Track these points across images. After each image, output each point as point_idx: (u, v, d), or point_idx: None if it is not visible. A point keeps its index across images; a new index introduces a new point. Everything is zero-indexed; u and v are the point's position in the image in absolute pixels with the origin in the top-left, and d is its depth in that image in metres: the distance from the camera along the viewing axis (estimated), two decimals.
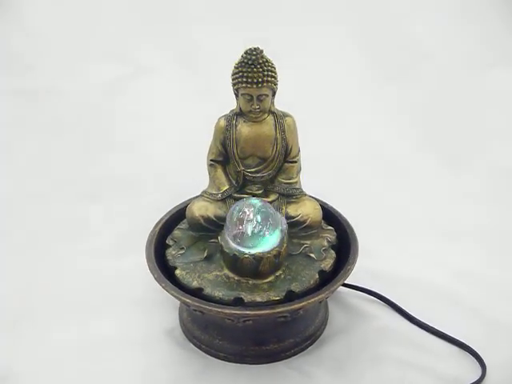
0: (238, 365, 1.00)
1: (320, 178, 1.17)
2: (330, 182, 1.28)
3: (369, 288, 1.11)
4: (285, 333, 1.00)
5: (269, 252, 0.96)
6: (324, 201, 1.10)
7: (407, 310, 1.07)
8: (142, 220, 1.14)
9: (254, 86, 0.96)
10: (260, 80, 0.95)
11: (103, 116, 1.52)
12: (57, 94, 1.56)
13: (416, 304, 1.08)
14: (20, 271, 1.17)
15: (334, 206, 1.11)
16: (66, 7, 1.64)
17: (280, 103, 1.02)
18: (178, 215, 1.09)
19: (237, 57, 0.98)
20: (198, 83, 1.55)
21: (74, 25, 1.62)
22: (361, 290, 1.11)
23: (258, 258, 0.95)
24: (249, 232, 0.95)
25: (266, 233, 0.96)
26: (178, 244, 1.03)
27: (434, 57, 1.57)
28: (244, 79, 0.96)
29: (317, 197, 1.08)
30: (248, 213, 0.96)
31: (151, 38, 1.61)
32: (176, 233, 1.06)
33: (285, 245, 0.97)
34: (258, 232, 0.95)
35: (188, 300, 0.94)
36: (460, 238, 1.22)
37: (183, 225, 1.07)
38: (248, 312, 0.92)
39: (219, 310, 0.92)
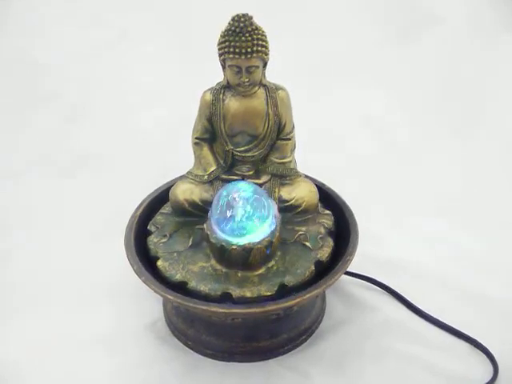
0: (227, 363, 0.92)
1: (316, 156, 1.07)
2: (326, 160, 1.18)
3: (370, 276, 1.02)
4: (277, 328, 0.92)
5: (259, 242, 0.86)
6: (320, 180, 1.01)
7: (411, 301, 0.99)
8: (121, 200, 1.05)
9: (243, 56, 0.86)
10: (249, 50, 0.85)
11: (83, 86, 1.43)
12: (32, 62, 1.45)
13: (420, 294, 1.00)
14: None
15: (332, 187, 1.02)
16: None
17: (272, 73, 0.92)
18: (161, 197, 0.99)
19: (225, 23, 0.87)
20: (184, 52, 1.44)
21: None
22: (361, 278, 1.02)
23: (248, 249, 0.86)
24: (237, 220, 0.86)
25: (257, 221, 0.87)
26: (161, 231, 0.94)
27: (445, 21, 1.44)
28: (231, 49, 0.86)
29: (312, 176, 0.99)
30: (237, 198, 0.87)
31: (136, 3, 1.49)
32: (159, 218, 0.97)
33: (277, 234, 0.88)
34: (248, 220, 0.86)
35: (170, 296, 0.85)
36: (471, 222, 1.13)
37: (166, 208, 0.98)
38: (236, 310, 0.84)
39: (205, 307, 0.84)
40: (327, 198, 0.99)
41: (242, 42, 0.85)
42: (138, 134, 1.32)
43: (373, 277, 1.02)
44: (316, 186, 0.97)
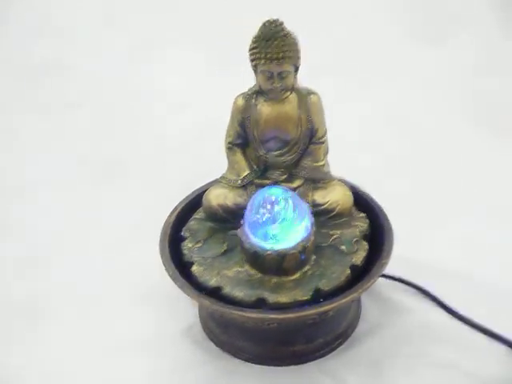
0: (263, 367, 0.92)
1: (347, 158, 1.05)
2: (358, 161, 1.18)
3: (406, 279, 1.01)
4: (313, 332, 0.91)
5: (294, 247, 0.86)
6: (353, 183, 1.00)
7: (449, 304, 0.97)
8: (156, 206, 1.05)
9: (274, 62, 0.85)
10: (281, 56, 0.85)
11: (116, 93, 1.43)
12: (66, 68, 1.46)
13: (459, 297, 0.98)
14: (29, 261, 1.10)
15: (365, 188, 1.01)
16: None
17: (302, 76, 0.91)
18: (194, 202, 1.00)
19: (256, 27, 0.87)
20: (215, 57, 1.44)
21: None
22: (397, 280, 1.01)
23: (282, 255, 0.86)
24: (271, 225, 0.86)
25: (291, 226, 0.86)
26: (195, 236, 0.94)
27: (476, 23, 1.43)
28: (263, 55, 0.85)
29: (345, 178, 0.98)
30: (270, 203, 0.87)
31: (162, 7, 1.50)
32: (192, 223, 0.97)
33: (312, 238, 0.88)
34: (282, 225, 0.86)
35: (206, 302, 0.85)
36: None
37: (200, 214, 0.98)
38: (272, 316, 0.84)
39: (240, 313, 0.84)
40: (361, 200, 0.98)
41: (274, 48, 0.85)
42: (168, 139, 1.32)
43: (408, 279, 1.01)
44: (351, 189, 0.97)
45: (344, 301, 0.84)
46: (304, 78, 0.91)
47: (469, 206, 1.14)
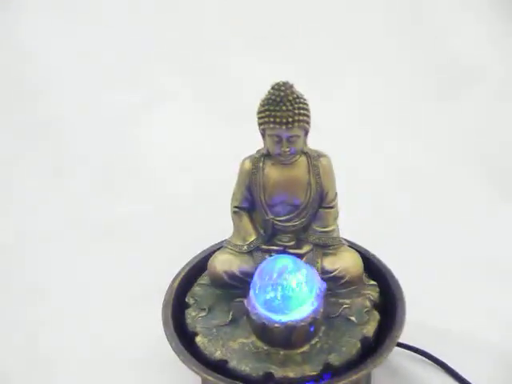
0: None
1: (351, 214, 1.00)
2: (366, 223, 1.14)
3: (418, 347, 0.97)
4: None
5: (303, 320, 0.82)
6: (363, 246, 0.97)
7: (464, 376, 0.93)
8: (157, 268, 1.02)
9: (284, 126, 0.82)
10: (290, 120, 0.82)
11: (114, 150, 1.40)
12: (68, 124, 1.44)
13: (474, 368, 0.93)
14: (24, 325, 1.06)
15: (374, 250, 0.97)
16: (76, 34, 1.51)
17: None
18: (199, 266, 0.96)
19: (263, 84, 0.84)
20: (220, 114, 1.41)
21: (84, 51, 1.49)
22: (410, 349, 0.97)
23: (291, 328, 0.82)
24: (279, 297, 0.82)
25: (300, 297, 0.83)
26: (199, 304, 0.91)
27: (486, 77, 1.40)
28: (271, 119, 0.82)
29: (354, 240, 0.96)
30: (279, 274, 0.83)
31: (166, 65, 1.48)
32: (197, 289, 0.93)
33: (321, 310, 0.84)
34: (291, 296, 0.82)
35: (211, 378, 0.81)
36: None
37: (204, 278, 0.94)
38: None
39: None
40: (371, 265, 0.95)
41: (283, 112, 0.82)
42: (170, 199, 1.29)
43: (421, 347, 0.96)
44: (360, 253, 0.93)
45: (354, 378, 0.80)
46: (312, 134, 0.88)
47: (484, 272, 1.10)
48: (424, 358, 0.96)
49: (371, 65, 1.42)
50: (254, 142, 0.88)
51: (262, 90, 0.84)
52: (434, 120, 1.40)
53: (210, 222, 1.05)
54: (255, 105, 0.85)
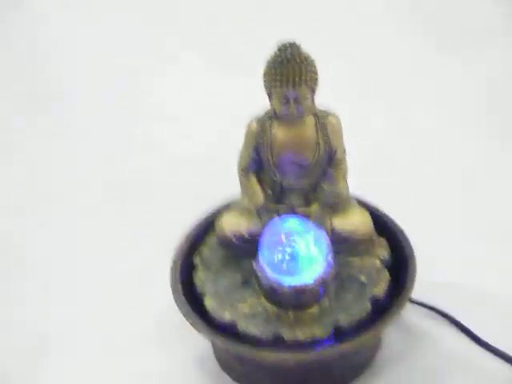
0: None
1: (359, 173, 0.97)
2: (377, 180, 1.11)
3: (430, 304, 0.96)
4: (331, 364, 0.86)
5: (313, 282, 0.82)
6: (373, 204, 0.95)
7: (479, 334, 0.92)
8: (164, 229, 1.01)
9: (291, 87, 0.80)
10: (297, 80, 0.80)
11: (120, 111, 1.38)
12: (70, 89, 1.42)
13: (485, 323, 0.92)
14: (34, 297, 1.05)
15: (385, 207, 0.96)
16: None
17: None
18: (206, 225, 0.95)
19: (270, 47, 0.82)
20: (227, 77, 1.38)
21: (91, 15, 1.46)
22: (421, 305, 0.96)
23: (300, 290, 0.82)
24: (289, 259, 0.82)
25: (310, 259, 0.82)
26: (207, 265, 0.90)
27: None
28: (278, 78, 0.80)
29: (365, 197, 0.95)
30: (288, 235, 0.82)
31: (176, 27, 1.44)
32: (205, 250, 0.92)
33: (331, 271, 0.83)
34: (300, 258, 0.82)
35: (220, 341, 0.81)
36: None
37: (212, 238, 0.93)
38: (289, 357, 0.80)
39: (256, 353, 0.80)
40: (381, 223, 0.94)
41: (290, 72, 0.79)
42: (174, 157, 1.28)
43: (432, 304, 0.96)
44: (370, 211, 0.92)
45: (364, 339, 0.80)
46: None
47: (494, 229, 1.08)
48: (436, 315, 0.95)
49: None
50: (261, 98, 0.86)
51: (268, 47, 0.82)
52: (436, 73, 1.37)
53: (216, 182, 1.03)
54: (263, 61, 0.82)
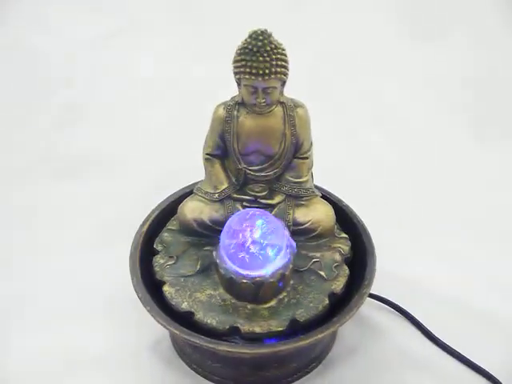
0: None
1: (321, 162, 0.96)
2: (332, 166, 1.09)
3: (385, 297, 0.96)
4: (286, 357, 0.87)
5: (271, 276, 0.82)
6: (336, 196, 0.95)
7: (432, 330, 0.93)
8: (126, 207, 1.00)
9: (260, 78, 0.79)
10: (267, 72, 0.78)
11: (83, 79, 1.35)
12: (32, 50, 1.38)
13: (443, 323, 0.94)
14: None
15: (347, 203, 0.95)
16: None
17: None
18: (168, 209, 0.94)
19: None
20: (196, 47, 1.35)
21: None
22: (377, 299, 0.97)
23: (259, 283, 0.81)
24: (249, 251, 0.81)
25: (270, 253, 0.81)
26: (168, 251, 0.89)
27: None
28: (247, 69, 0.79)
29: (321, 186, 0.94)
30: (249, 228, 0.82)
31: None
32: (165, 236, 0.91)
33: (290, 266, 0.83)
34: (260, 252, 0.81)
35: (176, 331, 0.81)
36: (499, 242, 1.06)
37: (173, 223, 0.92)
38: (245, 351, 0.79)
39: (212, 346, 0.79)
40: (344, 216, 0.93)
41: (260, 63, 0.78)
42: (143, 135, 1.25)
43: (388, 298, 0.96)
44: (333, 203, 0.92)
45: (320, 336, 0.80)
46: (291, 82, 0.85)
47: (454, 224, 1.09)
48: (391, 309, 0.96)
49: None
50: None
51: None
52: (410, 58, 1.36)
53: (182, 162, 1.02)
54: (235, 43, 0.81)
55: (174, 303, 0.84)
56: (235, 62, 0.80)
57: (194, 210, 0.88)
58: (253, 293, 0.82)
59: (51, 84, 1.34)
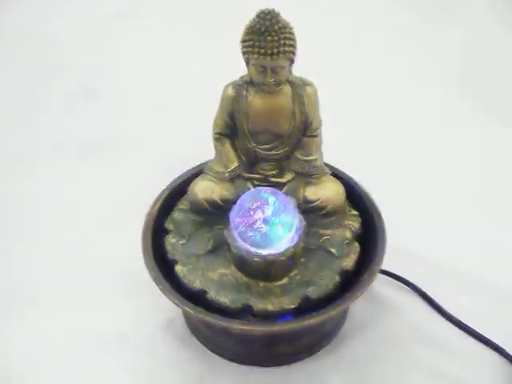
0: (247, 366, 0.89)
1: (334, 141, 0.96)
2: (341, 144, 1.09)
3: (397, 273, 0.97)
4: (298, 334, 0.88)
5: (282, 253, 0.82)
6: (347, 174, 0.95)
7: (443, 306, 0.94)
8: (138, 188, 1.00)
9: (268, 57, 0.79)
10: (275, 51, 0.78)
11: (90, 62, 1.35)
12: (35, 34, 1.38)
13: (454, 299, 0.94)
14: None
15: (357, 181, 0.95)
16: None
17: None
18: (179, 189, 0.95)
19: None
20: (202, 31, 1.35)
21: None
22: (389, 276, 0.97)
23: (270, 261, 0.82)
24: (260, 230, 0.82)
25: (280, 231, 0.82)
26: (179, 230, 0.90)
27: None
28: (256, 49, 0.79)
29: (334, 165, 0.94)
30: (260, 207, 0.82)
31: None
32: (177, 215, 0.92)
33: (301, 244, 0.83)
34: (271, 230, 0.82)
35: (190, 310, 0.81)
36: (508, 210, 1.06)
37: (184, 203, 0.93)
38: (258, 328, 0.80)
39: (226, 324, 0.80)
40: (355, 194, 0.94)
41: (268, 42, 0.78)
42: (153, 118, 1.25)
43: (399, 274, 0.97)
44: (343, 181, 0.92)
45: (332, 313, 0.81)
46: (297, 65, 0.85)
47: (466, 201, 1.09)
48: (402, 285, 0.97)
49: None
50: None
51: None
52: (408, 35, 1.36)
53: (192, 141, 1.02)
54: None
55: (186, 282, 0.84)
56: (243, 41, 0.80)
57: (205, 189, 0.89)
58: (264, 271, 0.83)
59: (63, 69, 1.34)
